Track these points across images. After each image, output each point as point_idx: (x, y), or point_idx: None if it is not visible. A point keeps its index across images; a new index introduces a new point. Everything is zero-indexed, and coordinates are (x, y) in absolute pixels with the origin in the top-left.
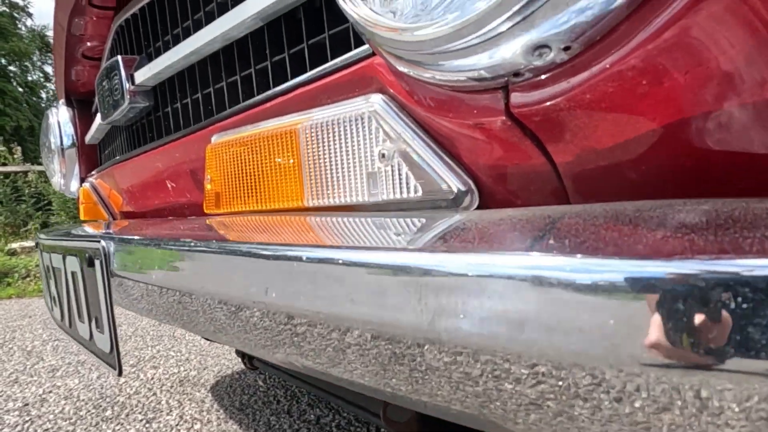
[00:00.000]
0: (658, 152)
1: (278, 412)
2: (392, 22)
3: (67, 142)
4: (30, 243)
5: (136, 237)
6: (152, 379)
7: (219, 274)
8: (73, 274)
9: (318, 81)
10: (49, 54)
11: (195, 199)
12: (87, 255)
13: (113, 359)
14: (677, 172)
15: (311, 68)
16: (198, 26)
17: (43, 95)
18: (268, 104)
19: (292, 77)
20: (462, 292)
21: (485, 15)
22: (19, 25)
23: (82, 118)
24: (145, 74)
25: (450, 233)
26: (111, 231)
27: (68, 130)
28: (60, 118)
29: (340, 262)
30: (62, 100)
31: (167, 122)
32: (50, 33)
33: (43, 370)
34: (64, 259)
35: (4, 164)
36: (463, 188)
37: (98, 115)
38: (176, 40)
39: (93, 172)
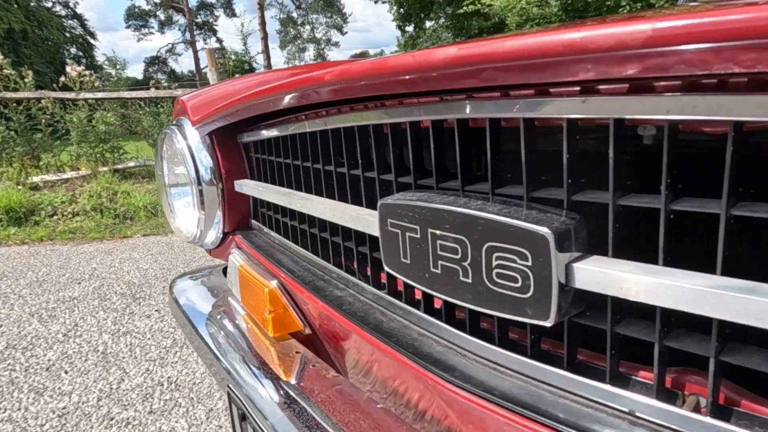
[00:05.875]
0: None
1: None
2: None
3: (205, 176)
4: (52, 177)
5: None
6: None
7: None
8: None
9: None
10: None
11: None
12: None
13: None
14: None
15: None
16: None
17: None
18: None
19: None
20: None
21: None
22: None
23: (226, 152)
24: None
25: None
26: None
27: (206, 161)
28: (191, 143)
29: None
30: (197, 126)
31: None
32: None
33: (135, 396)
34: None
35: (15, 89)
36: None
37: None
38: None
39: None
